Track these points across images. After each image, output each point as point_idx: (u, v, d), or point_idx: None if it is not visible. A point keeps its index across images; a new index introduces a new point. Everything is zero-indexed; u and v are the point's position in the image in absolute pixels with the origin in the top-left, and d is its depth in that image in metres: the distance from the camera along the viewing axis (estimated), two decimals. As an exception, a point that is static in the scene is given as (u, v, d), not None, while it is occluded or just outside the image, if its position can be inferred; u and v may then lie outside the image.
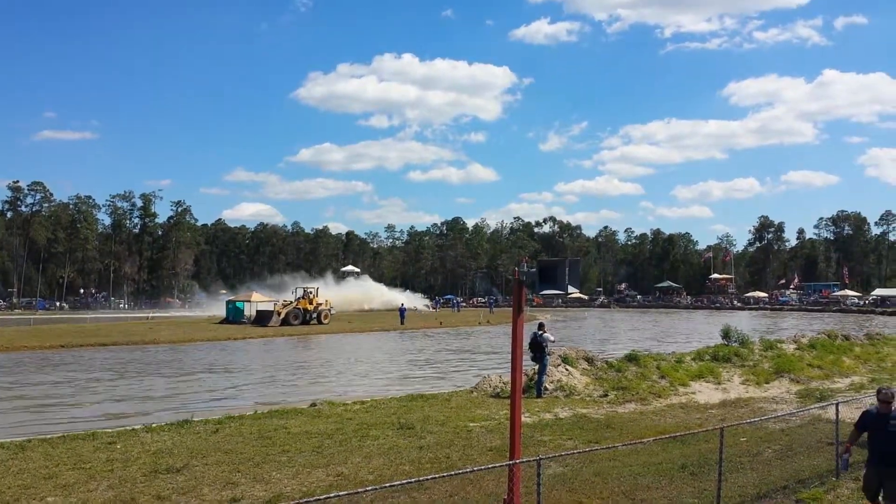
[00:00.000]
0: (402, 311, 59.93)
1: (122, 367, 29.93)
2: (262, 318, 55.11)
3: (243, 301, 62.24)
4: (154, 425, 14.21)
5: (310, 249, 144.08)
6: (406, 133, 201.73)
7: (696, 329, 52.44)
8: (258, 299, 64.39)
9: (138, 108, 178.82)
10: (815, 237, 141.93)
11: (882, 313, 76.19)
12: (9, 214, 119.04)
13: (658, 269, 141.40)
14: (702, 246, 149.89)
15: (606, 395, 17.34)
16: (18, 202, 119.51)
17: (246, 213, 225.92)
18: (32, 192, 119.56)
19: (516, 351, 8.71)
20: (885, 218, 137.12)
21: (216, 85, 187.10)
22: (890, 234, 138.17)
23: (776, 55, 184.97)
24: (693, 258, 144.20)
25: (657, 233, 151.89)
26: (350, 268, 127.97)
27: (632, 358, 20.35)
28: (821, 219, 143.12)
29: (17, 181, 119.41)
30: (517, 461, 8.13)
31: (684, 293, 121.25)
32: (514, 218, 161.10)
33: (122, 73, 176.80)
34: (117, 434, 13.31)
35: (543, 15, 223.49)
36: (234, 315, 58.76)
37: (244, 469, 10.66)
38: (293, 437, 12.77)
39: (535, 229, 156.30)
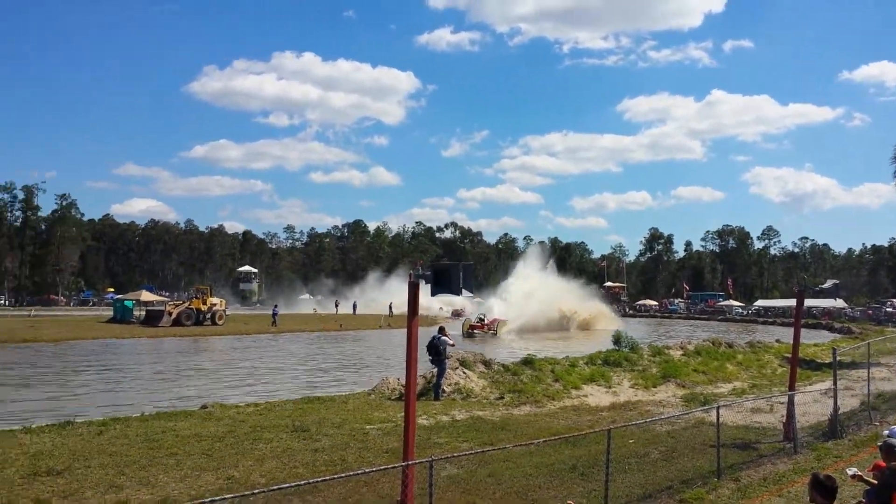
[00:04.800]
0: (274, 312, 58.15)
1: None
2: (153, 318, 53.08)
3: (132, 300, 59.82)
4: (34, 426, 13.48)
5: (204, 248, 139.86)
6: (307, 133, 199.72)
7: (589, 334, 53.95)
8: (148, 298, 62.08)
9: (20, 94, 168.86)
10: (701, 249, 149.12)
11: (764, 322, 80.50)
12: None
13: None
14: (596, 255, 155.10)
15: (503, 398, 17.64)
16: None
17: (136, 208, 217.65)
18: None
19: (411, 353, 8.76)
20: (767, 233, 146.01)
21: (104, 73, 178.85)
22: (771, 248, 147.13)
23: (668, 74, 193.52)
24: (588, 266, 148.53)
25: (555, 241, 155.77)
26: (247, 268, 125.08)
27: (527, 361, 20.80)
28: (707, 232, 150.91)
29: None
30: (410, 462, 8.18)
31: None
32: (416, 222, 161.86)
33: (6, 58, 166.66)
34: (-9, 436, 12.55)
35: (447, 23, 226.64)
36: (122, 314, 56.34)
37: (129, 472, 10.26)
38: (182, 440, 12.37)
39: (437, 234, 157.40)
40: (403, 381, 18.86)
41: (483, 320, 51.67)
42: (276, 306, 61.16)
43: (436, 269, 8.65)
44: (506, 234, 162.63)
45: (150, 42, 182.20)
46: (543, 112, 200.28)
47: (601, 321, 62.08)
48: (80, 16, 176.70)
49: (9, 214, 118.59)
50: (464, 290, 8.52)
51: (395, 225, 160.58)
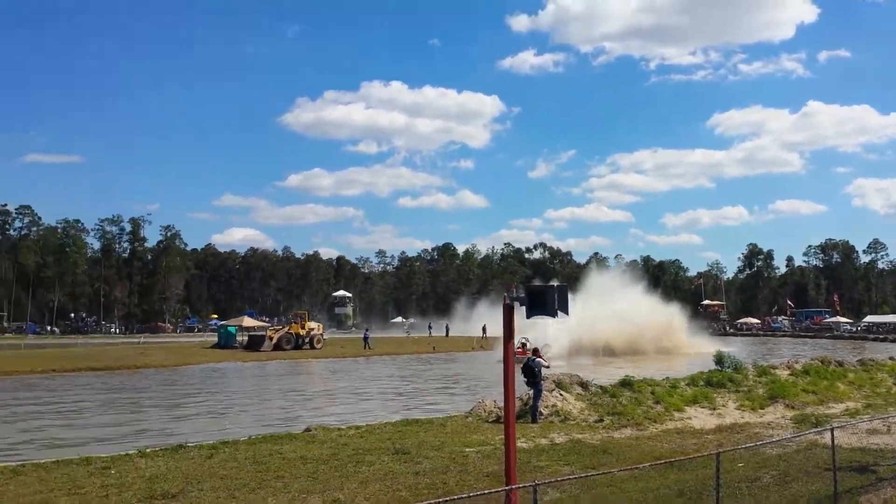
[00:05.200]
0: (365, 336, 58.98)
1: (113, 391, 29.68)
2: (255, 343, 54.88)
3: (235, 325, 61.98)
4: (149, 450, 14.10)
5: (300, 275, 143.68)
6: (395, 159, 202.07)
7: (668, 358, 51.99)
8: (250, 324, 64.18)
9: (125, 131, 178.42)
10: (804, 264, 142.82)
11: (874, 339, 76.36)
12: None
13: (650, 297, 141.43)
14: (692, 272, 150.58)
15: (602, 421, 17.31)
16: (6, 226, 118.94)
17: (235, 237, 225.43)
18: (20, 216, 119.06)
19: (508, 376, 8.73)
20: (873, 246, 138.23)
21: (202, 109, 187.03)
22: (878, 262, 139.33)
23: (760, 87, 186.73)
24: (684, 284, 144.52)
25: (647, 259, 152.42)
26: (342, 293, 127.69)
27: (626, 383, 20.35)
28: (810, 247, 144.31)
29: (5, 204, 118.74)
30: (514, 486, 8.12)
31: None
32: (505, 244, 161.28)
33: (109, 96, 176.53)
34: (111, 459, 13.19)
35: (530, 46, 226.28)
36: (226, 340, 58.43)
37: (240, 495, 10.58)
38: (288, 463, 12.69)
39: (526, 255, 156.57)
40: (499, 404, 18.87)
41: (525, 345, 43.93)
42: (367, 330, 62.11)
43: (531, 291, 8.51)
44: (596, 254, 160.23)
45: (246, 78, 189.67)
46: (631, 130, 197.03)
47: (684, 342, 57.19)
48: (181, 57, 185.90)
49: (117, 246, 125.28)
50: (559, 313, 8.34)
51: (483, 247, 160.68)
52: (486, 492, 8.94)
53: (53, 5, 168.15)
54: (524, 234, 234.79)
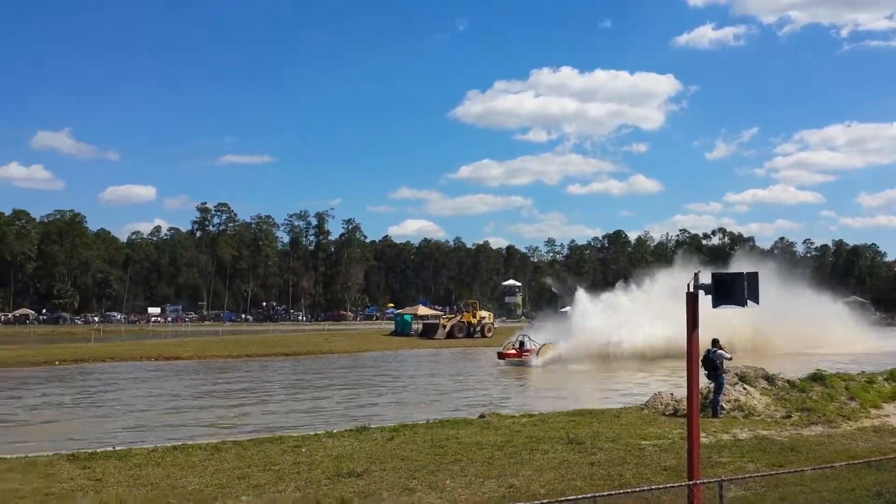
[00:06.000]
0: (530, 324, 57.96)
1: (301, 374, 31.81)
2: (429, 331, 56.68)
3: (410, 314, 64.28)
4: (335, 431, 14.99)
5: (471, 264, 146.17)
6: (565, 146, 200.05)
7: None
8: (424, 312, 66.28)
9: (310, 131, 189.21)
10: None
11: None
12: (198, 234, 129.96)
13: (843, 284, 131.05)
14: (891, 257, 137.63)
15: (789, 417, 16.32)
16: (206, 222, 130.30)
17: (410, 229, 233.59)
18: (218, 213, 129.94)
19: (692, 368, 8.44)
20: None
21: (378, 106, 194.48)
22: None
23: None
24: (881, 270, 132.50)
25: (840, 244, 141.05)
26: (511, 282, 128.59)
27: (817, 378, 18.99)
28: None
29: (205, 203, 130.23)
30: (697, 482, 7.87)
31: (873, 309, 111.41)
32: (680, 230, 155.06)
33: (295, 98, 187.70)
34: (301, 438, 14.15)
35: (708, 20, 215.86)
36: (402, 327, 60.78)
37: (420, 476, 11.00)
38: (464, 448, 13.02)
39: (703, 241, 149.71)
40: (676, 397, 18.29)
41: (523, 344, 39.82)
42: (532, 319, 62.39)
43: (718, 279, 8.13)
44: (781, 239, 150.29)
45: (419, 73, 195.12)
46: (821, 104, 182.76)
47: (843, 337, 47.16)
48: (356, 57, 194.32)
49: (304, 239, 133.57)
50: (748, 301, 7.90)
51: (657, 234, 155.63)
52: (667, 486, 8.73)
53: (244, 19, 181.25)
54: (701, 220, 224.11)
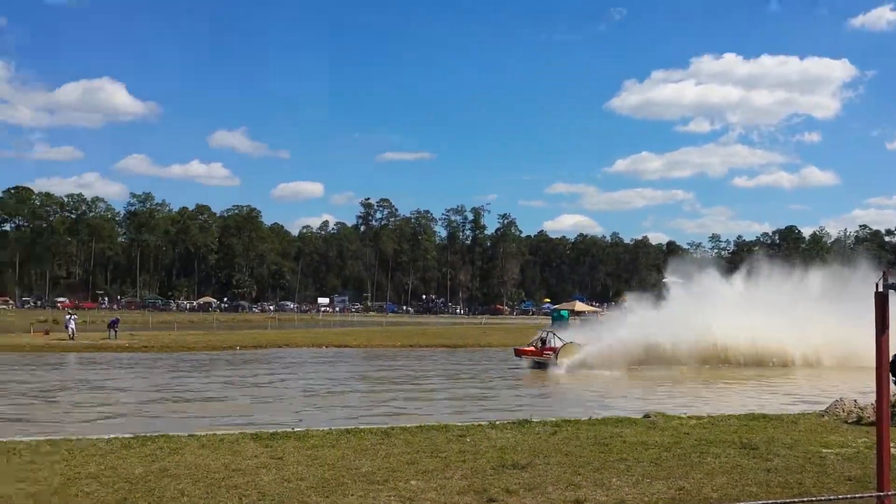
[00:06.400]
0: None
1: (461, 364, 32.56)
2: (587, 328, 56.02)
3: (567, 310, 63.78)
4: (498, 422, 15.18)
5: (629, 260, 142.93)
6: (729, 137, 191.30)
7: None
8: (581, 308, 65.53)
9: (467, 128, 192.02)
10: None
11: None
12: (362, 228, 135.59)
13: None
14: None
15: None
16: (369, 217, 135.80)
17: (566, 224, 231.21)
18: (381, 208, 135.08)
19: (881, 373, 7.84)
20: None
21: (534, 100, 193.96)
22: None
23: None
24: None
25: None
26: (674, 279, 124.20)
27: None
28: None
29: (368, 198, 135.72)
30: (887, 493, 7.32)
31: None
32: (860, 226, 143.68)
33: (454, 96, 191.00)
34: (466, 428, 14.46)
35: (886, 1, 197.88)
36: (559, 322, 60.41)
37: (584, 472, 10.91)
38: (629, 447, 12.78)
39: (886, 238, 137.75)
40: (860, 404, 16.99)
41: (545, 342, 35.58)
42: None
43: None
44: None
45: (575, 64, 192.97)
46: None
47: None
48: (511, 49, 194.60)
49: (461, 234, 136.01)
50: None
51: (833, 230, 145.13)
52: (853, 496, 8.19)
53: (407, 21, 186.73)
54: (883, 215, 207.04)
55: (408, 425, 15.12)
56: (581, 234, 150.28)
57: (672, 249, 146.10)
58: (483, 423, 15.34)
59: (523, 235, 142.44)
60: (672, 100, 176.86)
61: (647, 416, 16.41)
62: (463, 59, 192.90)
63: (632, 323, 37.09)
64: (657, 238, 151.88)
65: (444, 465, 11.27)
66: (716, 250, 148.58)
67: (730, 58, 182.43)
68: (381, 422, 16.86)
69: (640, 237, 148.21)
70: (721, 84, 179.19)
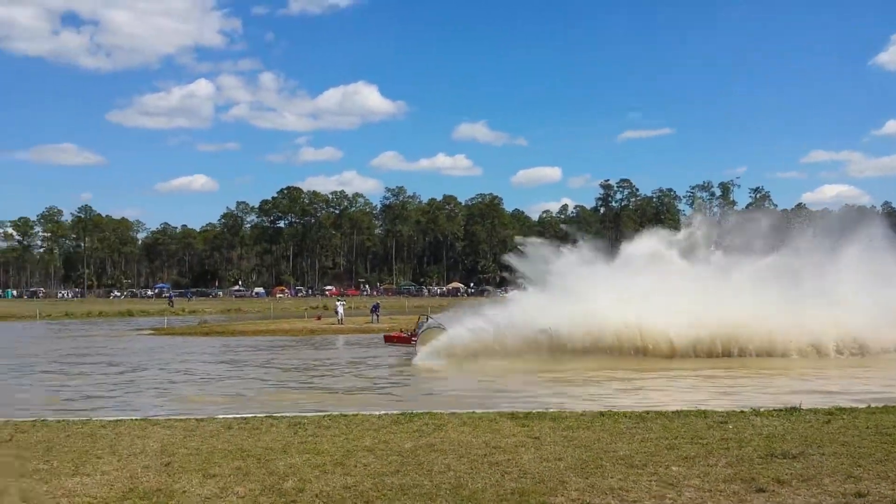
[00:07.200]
0: None
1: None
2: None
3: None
4: (762, 410, 14.43)
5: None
6: None
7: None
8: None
9: (713, 100, 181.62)
10: None
11: None
12: (601, 210, 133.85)
13: None
14: None
15: None
16: (609, 198, 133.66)
17: (828, 195, 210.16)
18: (621, 189, 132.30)
19: None
20: None
21: (783, 60, 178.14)
22: None
23: None
24: None
25: None
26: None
27: None
28: None
29: (608, 180, 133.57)
30: None
31: None
32: None
33: (693, 68, 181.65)
34: (727, 414, 13.91)
35: None
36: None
37: (865, 464, 10.05)
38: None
39: None
40: None
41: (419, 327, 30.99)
42: None
43: None
44: None
45: (834, 18, 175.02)
46: None
47: None
48: (758, 6, 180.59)
49: (707, 211, 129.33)
50: None
51: None
52: None
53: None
54: None
55: (664, 410, 14.86)
56: (846, 205, 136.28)
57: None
58: (745, 409, 14.67)
59: (780, 209, 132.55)
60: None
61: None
62: (697, 27, 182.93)
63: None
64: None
65: (706, 451, 10.95)
66: None
67: None
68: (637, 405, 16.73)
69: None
70: None
